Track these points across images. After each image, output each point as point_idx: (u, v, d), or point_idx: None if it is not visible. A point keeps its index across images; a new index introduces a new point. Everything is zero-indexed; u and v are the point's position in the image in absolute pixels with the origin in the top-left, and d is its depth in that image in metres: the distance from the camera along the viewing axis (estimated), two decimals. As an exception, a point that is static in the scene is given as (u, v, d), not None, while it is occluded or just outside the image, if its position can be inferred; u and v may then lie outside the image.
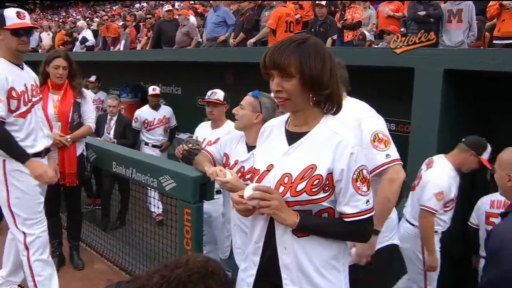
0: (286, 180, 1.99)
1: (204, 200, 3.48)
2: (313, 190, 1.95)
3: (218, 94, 4.61)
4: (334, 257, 2.05)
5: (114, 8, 31.59)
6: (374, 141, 2.72)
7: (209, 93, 4.64)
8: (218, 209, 4.02)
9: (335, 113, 2.07)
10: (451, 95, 5.33)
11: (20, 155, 3.60)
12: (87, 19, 21.65)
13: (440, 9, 7.68)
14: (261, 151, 2.21)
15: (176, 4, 15.81)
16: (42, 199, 3.87)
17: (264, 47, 8.98)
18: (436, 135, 5.14)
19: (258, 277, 2.12)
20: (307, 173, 1.96)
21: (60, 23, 19.68)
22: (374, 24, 9.48)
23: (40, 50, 17.28)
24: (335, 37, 8.75)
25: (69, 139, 4.45)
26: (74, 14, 32.67)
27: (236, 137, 3.41)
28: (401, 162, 2.81)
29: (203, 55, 9.26)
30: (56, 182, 4.56)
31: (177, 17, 10.91)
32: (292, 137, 2.08)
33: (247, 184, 3.11)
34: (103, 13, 25.95)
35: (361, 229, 2.04)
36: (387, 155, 2.73)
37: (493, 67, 4.97)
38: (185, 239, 3.55)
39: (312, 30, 8.89)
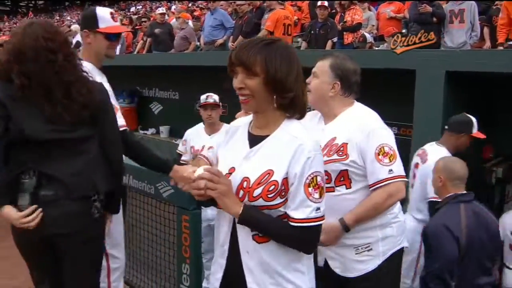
0: (245, 184, 1.96)
1: (202, 207, 3.40)
2: (269, 196, 1.91)
3: (214, 96, 4.54)
4: (296, 260, 1.99)
5: (110, 12, 31.51)
6: (379, 155, 2.62)
7: (204, 97, 4.57)
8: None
9: (299, 118, 2.03)
10: (453, 97, 5.26)
11: (163, 163, 3.21)
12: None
13: (443, 9, 7.61)
14: (224, 153, 2.16)
15: (173, 7, 15.72)
16: None
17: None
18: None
19: (224, 283, 2.07)
20: (264, 179, 1.92)
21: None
22: (373, 25, 9.43)
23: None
24: (335, 39, 8.64)
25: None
26: (68, 18, 32.56)
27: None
28: (405, 179, 2.73)
29: (201, 59, 9.19)
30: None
31: (173, 20, 10.86)
32: (254, 140, 2.04)
33: None
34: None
35: (306, 237, 1.97)
36: (390, 170, 2.63)
37: (496, 68, 4.89)
38: (183, 246, 3.50)
39: (312, 32, 8.81)
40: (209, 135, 4.56)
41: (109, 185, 2.69)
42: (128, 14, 22.76)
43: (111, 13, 3.24)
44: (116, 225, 3.28)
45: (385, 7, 9.51)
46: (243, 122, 2.18)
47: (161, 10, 11.82)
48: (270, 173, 1.92)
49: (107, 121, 2.69)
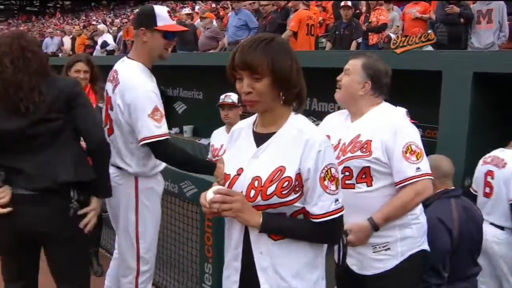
0: (256, 183, 1.94)
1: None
2: (283, 192, 1.90)
3: (232, 96, 4.52)
4: (312, 260, 2.00)
5: (134, 11, 31.84)
6: (406, 153, 2.62)
7: (222, 96, 4.57)
8: None
9: (299, 111, 2.03)
10: (481, 99, 5.15)
11: (207, 166, 3.19)
12: (108, 23, 21.78)
13: (470, 10, 7.50)
14: (231, 155, 2.15)
15: (196, 7, 15.80)
16: None
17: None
18: (465, 140, 4.97)
19: (241, 285, 2.05)
20: (276, 176, 1.91)
21: (82, 27, 19.81)
22: (398, 26, 9.32)
23: (61, 55, 17.45)
24: (360, 40, 8.61)
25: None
26: (94, 18, 32.97)
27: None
28: (432, 177, 2.72)
29: (225, 59, 9.16)
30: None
31: (198, 20, 10.90)
32: (260, 139, 2.03)
33: None
34: (123, 16, 26.19)
35: (330, 230, 1.99)
36: (418, 168, 2.62)
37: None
38: (206, 245, 3.49)
39: (336, 33, 8.78)
40: (228, 134, 4.56)
41: (83, 175, 2.71)
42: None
43: (169, 12, 3.23)
44: (152, 230, 3.32)
45: (411, 7, 9.37)
46: (245, 123, 2.18)
47: (187, 10, 11.90)
48: (281, 169, 1.91)
49: (77, 114, 2.72)
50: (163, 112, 3.09)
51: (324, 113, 7.53)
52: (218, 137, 4.61)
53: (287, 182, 1.89)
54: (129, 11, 34.23)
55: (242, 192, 1.96)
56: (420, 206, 2.82)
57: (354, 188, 2.69)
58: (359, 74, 2.78)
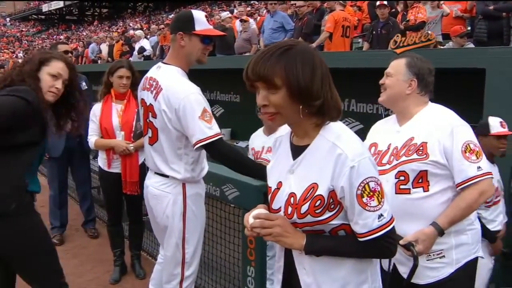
0: (292, 200, 1.85)
1: (268, 210, 3.37)
2: (317, 211, 1.79)
3: None
4: (357, 275, 1.87)
5: (170, 17, 32.21)
6: (466, 152, 2.52)
7: None
8: None
9: (335, 120, 1.86)
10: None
11: (260, 169, 3.05)
12: (144, 29, 22.09)
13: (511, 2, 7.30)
14: (272, 166, 2.06)
15: (234, 11, 15.87)
16: None
17: (322, 52, 8.82)
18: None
19: None
20: (309, 193, 1.80)
21: (120, 33, 20.15)
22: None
23: (99, 61, 17.79)
24: (397, 39, 8.44)
25: (132, 147, 4.46)
26: (131, 24, 33.52)
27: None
28: (493, 176, 2.61)
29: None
30: (118, 190, 4.60)
31: (236, 23, 10.94)
32: (296, 151, 1.91)
33: None
34: (159, 22, 26.49)
35: (379, 247, 1.83)
36: (479, 168, 2.53)
37: None
38: (248, 249, 3.45)
39: (374, 33, 8.65)
40: (267, 135, 4.55)
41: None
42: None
43: (206, 16, 3.20)
44: (198, 234, 3.31)
45: (449, 5, 9.19)
46: (285, 131, 2.05)
47: (227, 14, 11.98)
48: (314, 187, 1.80)
49: None
50: (211, 112, 3.07)
51: (362, 114, 7.50)
52: (258, 139, 4.59)
53: (319, 201, 1.78)
54: (164, 16, 34.64)
55: (281, 208, 1.90)
56: (475, 212, 2.72)
57: (409, 193, 2.59)
58: (403, 73, 2.72)
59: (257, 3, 23.54)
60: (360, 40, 10.49)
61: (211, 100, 11.33)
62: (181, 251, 3.24)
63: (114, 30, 30.07)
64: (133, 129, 4.53)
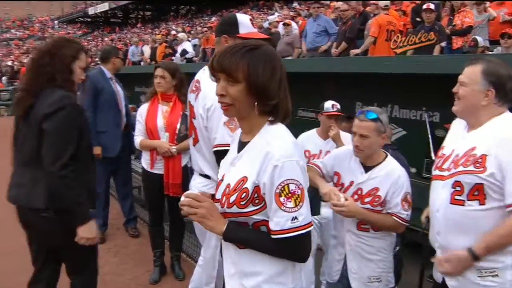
0: (227, 190, 1.96)
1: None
2: (242, 203, 1.89)
3: (338, 106, 4.53)
4: (279, 273, 1.93)
5: (212, 20, 32.47)
6: None
7: (328, 105, 4.51)
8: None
9: (283, 121, 1.98)
10: None
11: None
12: (186, 32, 22.32)
13: None
14: (223, 160, 2.17)
15: (276, 14, 15.86)
16: None
17: (366, 56, 8.72)
18: None
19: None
20: (239, 185, 1.91)
21: (165, 36, 20.41)
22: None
23: (142, 63, 18.05)
24: (443, 44, 8.20)
25: (174, 149, 4.49)
26: (173, 27, 33.90)
27: (348, 154, 3.22)
28: None
29: (304, 65, 9.12)
30: (160, 191, 4.64)
31: (279, 27, 10.92)
32: (241, 147, 2.03)
33: (367, 209, 2.95)
34: (201, 25, 26.73)
35: (289, 248, 1.88)
36: None
37: None
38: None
39: (419, 37, 8.47)
40: (324, 139, 4.52)
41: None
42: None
43: (251, 20, 3.23)
44: None
45: (495, 8, 8.93)
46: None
47: (274, 17, 12.01)
48: (244, 180, 1.90)
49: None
50: (237, 123, 3.07)
51: (405, 121, 7.34)
52: (312, 142, 4.56)
53: (245, 193, 1.88)
54: (206, 19, 34.94)
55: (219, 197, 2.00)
56: None
57: (464, 205, 2.44)
58: (479, 83, 2.49)
59: (298, 6, 23.48)
60: (403, 45, 10.31)
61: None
62: (218, 252, 3.23)
63: (157, 33, 30.47)
64: (177, 132, 4.56)
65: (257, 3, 34.86)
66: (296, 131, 4.84)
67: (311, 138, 4.61)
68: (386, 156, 3.15)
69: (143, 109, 4.72)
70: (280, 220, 1.83)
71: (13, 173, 3.17)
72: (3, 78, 30.77)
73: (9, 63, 37.35)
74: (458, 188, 2.47)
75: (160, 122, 4.60)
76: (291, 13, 15.09)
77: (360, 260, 3.10)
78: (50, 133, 2.90)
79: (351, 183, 3.11)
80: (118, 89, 5.97)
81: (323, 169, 3.27)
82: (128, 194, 6.44)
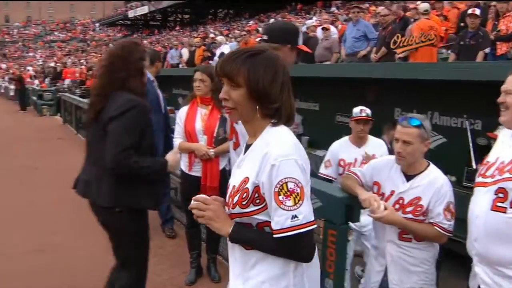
0: (232, 192, 2.01)
1: (349, 222, 3.30)
2: (243, 203, 1.93)
3: (367, 111, 4.48)
4: (279, 274, 1.95)
5: (249, 23, 32.63)
6: None
7: (357, 110, 4.48)
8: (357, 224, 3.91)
9: (286, 124, 2.01)
10: None
11: None
12: (225, 35, 22.47)
13: None
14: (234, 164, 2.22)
15: (314, 19, 15.86)
16: None
17: (406, 62, 8.60)
18: None
19: None
20: (241, 186, 1.95)
21: (201, 39, 20.60)
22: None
23: (180, 66, 18.25)
24: (487, 50, 8.01)
25: (212, 153, 4.52)
26: (211, 30, 34.21)
27: (388, 163, 3.18)
28: None
29: (343, 70, 9.07)
30: (198, 193, 4.67)
31: (317, 31, 10.91)
32: (246, 149, 2.07)
33: (408, 218, 2.91)
34: (239, 28, 26.88)
35: (290, 247, 1.90)
36: None
37: None
38: (327, 261, 3.39)
39: (461, 43, 8.28)
40: (359, 147, 4.48)
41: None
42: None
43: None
44: None
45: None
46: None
47: (312, 22, 12.01)
48: (246, 180, 1.93)
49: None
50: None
51: (446, 128, 7.22)
52: (347, 151, 4.52)
53: (245, 194, 1.92)
54: (244, 23, 35.12)
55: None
56: None
57: (505, 212, 2.36)
58: None
59: (337, 11, 23.39)
60: (443, 50, 10.15)
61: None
62: None
63: (195, 36, 30.79)
64: (215, 135, 4.59)
65: (295, 7, 34.89)
66: (334, 137, 4.86)
67: (344, 146, 4.58)
68: (429, 164, 3.10)
69: (183, 112, 4.77)
70: (280, 219, 1.85)
71: (83, 168, 3.41)
72: (46, 79, 31.63)
73: (52, 64, 38.37)
74: (501, 195, 2.39)
75: (199, 125, 4.63)
76: (330, 18, 15.05)
77: (402, 272, 3.04)
78: (112, 132, 3.10)
79: (392, 192, 3.07)
80: (159, 92, 6.05)
81: (361, 178, 3.24)
82: (165, 195, 6.50)
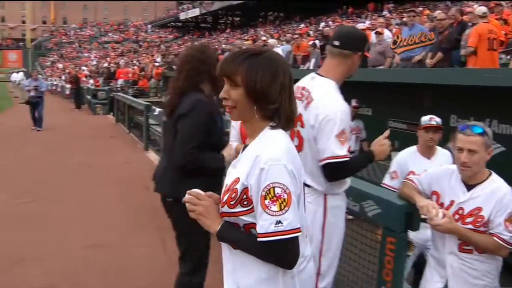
0: (224, 190, 2.02)
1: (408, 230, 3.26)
2: (231, 203, 1.94)
3: (437, 119, 4.32)
4: (269, 276, 1.95)
5: (300, 26, 32.57)
6: None
7: (426, 119, 4.35)
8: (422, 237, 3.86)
9: (284, 127, 2.00)
10: None
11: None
12: (276, 38, 22.53)
13: None
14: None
15: (367, 22, 15.70)
16: None
17: (464, 68, 8.41)
18: None
19: None
20: (232, 186, 1.96)
21: (253, 41, 20.75)
22: None
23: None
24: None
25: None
26: (262, 32, 34.34)
27: (447, 172, 3.12)
28: None
29: (397, 75, 8.94)
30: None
31: (371, 35, 10.78)
32: (244, 149, 2.07)
33: (470, 229, 2.87)
34: (290, 31, 26.87)
35: (273, 252, 1.89)
36: None
37: None
38: (385, 269, 3.36)
39: (522, 48, 8.07)
40: (429, 158, 4.33)
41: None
42: (319, 30, 23.27)
43: None
44: (336, 247, 3.31)
45: None
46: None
47: (363, 26, 11.93)
48: (236, 180, 1.94)
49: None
50: (348, 136, 3.06)
51: (505, 136, 7.03)
52: (416, 162, 4.28)
53: (234, 194, 1.93)
54: (295, 26, 35.10)
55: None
56: None
57: None
58: None
59: (389, 14, 23.07)
60: (503, 56, 9.86)
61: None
62: (317, 263, 3.21)
63: (246, 38, 30.99)
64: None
65: (346, 10, 34.62)
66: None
67: (413, 158, 4.36)
68: (490, 174, 3.02)
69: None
70: (264, 223, 1.84)
71: (159, 161, 3.80)
72: (100, 78, 32.53)
73: (106, 64, 39.43)
74: None
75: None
76: (384, 21, 14.83)
77: (464, 285, 2.98)
78: (181, 130, 3.32)
79: (452, 202, 3.02)
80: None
81: (418, 186, 3.19)
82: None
